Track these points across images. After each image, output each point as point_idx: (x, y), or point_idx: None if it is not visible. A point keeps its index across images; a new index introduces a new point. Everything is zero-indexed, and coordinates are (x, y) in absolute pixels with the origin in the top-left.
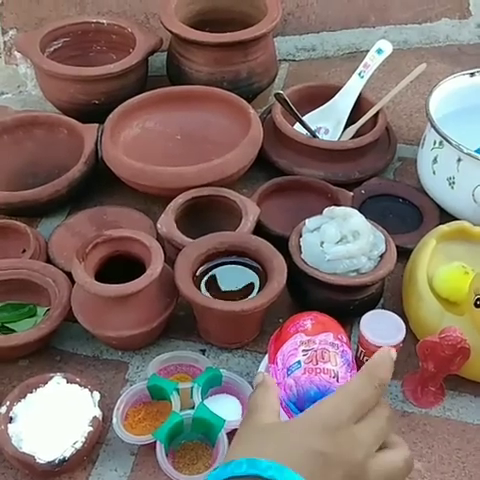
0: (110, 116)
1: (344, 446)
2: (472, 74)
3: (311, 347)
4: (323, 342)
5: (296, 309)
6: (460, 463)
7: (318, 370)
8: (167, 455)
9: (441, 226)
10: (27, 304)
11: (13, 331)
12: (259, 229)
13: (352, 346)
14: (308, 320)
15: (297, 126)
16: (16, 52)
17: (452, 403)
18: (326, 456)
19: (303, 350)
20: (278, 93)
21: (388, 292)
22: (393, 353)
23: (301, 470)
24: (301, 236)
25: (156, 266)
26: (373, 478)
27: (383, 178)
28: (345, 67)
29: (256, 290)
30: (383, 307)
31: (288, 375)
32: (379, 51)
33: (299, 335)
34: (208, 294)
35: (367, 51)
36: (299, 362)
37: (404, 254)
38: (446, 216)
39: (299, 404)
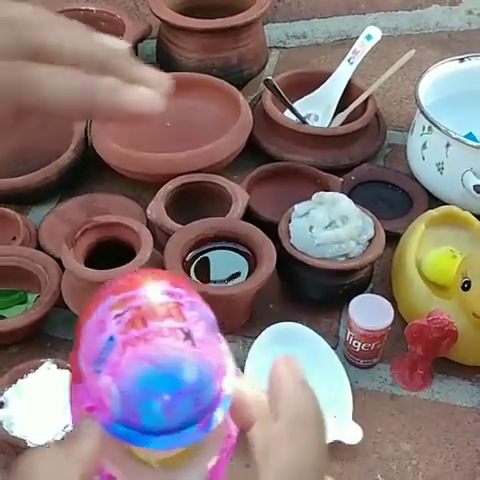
0: None
1: None
2: (461, 60)
3: (128, 306)
4: (150, 294)
5: (286, 295)
6: (448, 445)
7: (149, 335)
8: None
9: (430, 211)
10: (17, 291)
11: (3, 317)
12: (249, 215)
13: (342, 331)
14: (118, 280)
15: (287, 113)
16: None
17: (440, 386)
18: None
19: (115, 316)
20: (268, 79)
21: (377, 277)
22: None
23: None
24: (290, 221)
25: (145, 251)
26: None
27: (373, 164)
28: (336, 54)
29: (245, 275)
30: (372, 292)
31: (97, 372)
32: (368, 37)
33: (104, 301)
34: (198, 279)
35: (357, 38)
36: (111, 338)
37: (393, 239)
38: (435, 201)
39: (127, 413)
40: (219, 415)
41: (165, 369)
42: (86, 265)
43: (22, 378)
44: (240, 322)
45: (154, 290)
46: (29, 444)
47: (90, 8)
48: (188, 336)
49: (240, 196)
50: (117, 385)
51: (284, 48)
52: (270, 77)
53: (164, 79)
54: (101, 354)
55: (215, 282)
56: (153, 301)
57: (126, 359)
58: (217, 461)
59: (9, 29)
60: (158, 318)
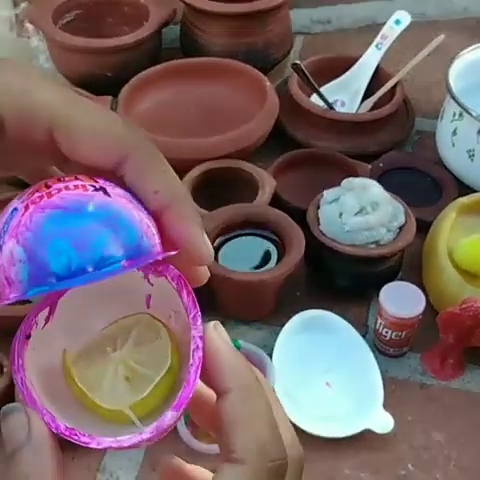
0: (124, 88)
1: None
2: None
3: (34, 187)
4: (62, 178)
5: (314, 282)
6: None
7: (53, 191)
8: (186, 424)
9: (460, 199)
10: None
11: (30, 302)
12: (275, 201)
13: (371, 319)
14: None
15: (313, 98)
16: (28, 25)
17: (471, 376)
18: None
19: (18, 197)
20: (295, 63)
21: (407, 265)
22: None
23: None
24: (319, 208)
25: None
26: None
27: (401, 151)
28: (361, 40)
29: (274, 262)
30: (401, 280)
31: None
32: (397, 22)
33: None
34: (226, 265)
35: (383, 24)
36: (13, 210)
37: (422, 227)
38: (465, 189)
39: (36, 268)
40: (148, 258)
41: (73, 210)
42: None
43: None
44: (267, 309)
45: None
46: None
47: None
48: (100, 189)
49: (267, 182)
50: (21, 244)
51: (309, 33)
52: (298, 61)
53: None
54: (2, 230)
55: (243, 269)
56: (62, 178)
57: (28, 215)
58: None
59: None
60: (64, 182)
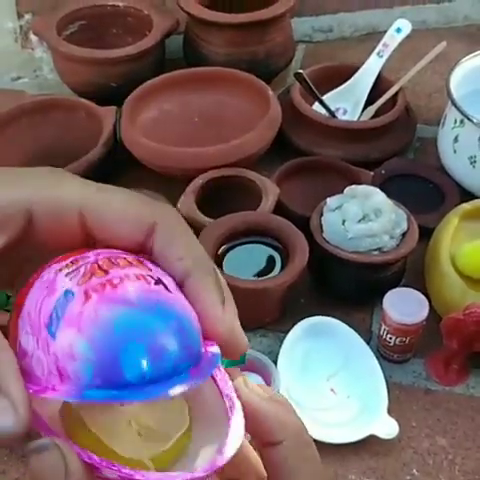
0: (128, 98)
1: None
2: None
3: (80, 263)
4: (104, 252)
5: (317, 289)
6: None
7: (115, 280)
8: None
9: (463, 204)
10: None
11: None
12: (279, 209)
13: (375, 325)
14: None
15: (316, 106)
16: (32, 36)
17: (476, 381)
18: None
19: (67, 274)
20: (298, 73)
21: (410, 272)
22: None
23: None
24: (322, 215)
25: None
26: None
27: (403, 158)
28: (362, 48)
29: (278, 269)
30: (405, 286)
31: (51, 336)
32: (398, 30)
33: (48, 268)
34: (229, 274)
35: (385, 32)
36: (67, 293)
37: (425, 234)
38: (467, 195)
39: (103, 368)
40: (210, 365)
41: (144, 308)
42: None
43: None
44: (272, 316)
45: (107, 251)
46: None
47: (117, 4)
48: (160, 282)
49: (270, 190)
50: (85, 337)
51: (310, 42)
52: (301, 70)
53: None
54: (55, 312)
55: (247, 276)
56: (109, 256)
57: (92, 306)
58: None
59: None
60: (120, 267)
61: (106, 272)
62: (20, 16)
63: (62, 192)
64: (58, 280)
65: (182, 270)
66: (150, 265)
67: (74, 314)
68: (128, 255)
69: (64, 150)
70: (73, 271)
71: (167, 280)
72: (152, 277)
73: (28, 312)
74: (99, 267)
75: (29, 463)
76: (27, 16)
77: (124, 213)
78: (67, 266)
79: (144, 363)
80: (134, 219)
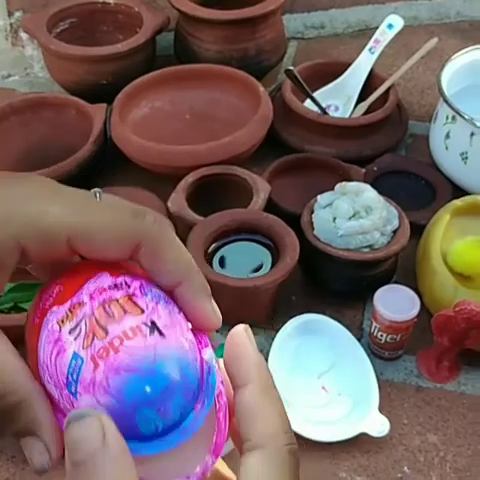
0: (118, 96)
1: None
2: None
3: (79, 316)
4: (96, 293)
5: (308, 286)
6: (476, 436)
7: (115, 341)
8: None
9: (454, 201)
10: (40, 283)
11: (26, 310)
12: (270, 207)
13: (366, 323)
14: (54, 288)
15: (307, 103)
16: (22, 34)
17: (467, 378)
18: None
19: (70, 331)
20: (289, 69)
21: (401, 269)
22: None
23: None
24: (313, 212)
25: None
26: None
27: (395, 155)
28: (355, 44)
29: (268, 267)
30: (396, 283)
31: (73, 395)
32: (390, 26)
33: (50, 314)
34: (220, 272)
35: (377, 28)
36: (75, 357)
37: (417, 230)
38: (459, 191)
39: (121, 427)
40: (210, 390)
41: (147, 372)
42: None
43: None
44: (263, 314)
45: (98, 288)
46: None
47: (108, 1)
48: (153, 327)
49: (261, 187)
50: (103, 403)
51: (302, 39)
52: (291, 67)
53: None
54: (70, 376)
55: (238, 274)
56: (102, 300)
57: (102, 375)
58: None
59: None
60: (116, 320)
61: (106, 332)
62: (10, 14)
63: (48, 224)
64: (63, 337)
65: (170, 282)
66: (139, 301)
67: (87, 380)
68: (118, 291)
69: (55, 148)
70: (75, 327)
71: (158, 316)
72: (146, 324)
73: (46, 364)
74: (98, 323)
75: (66, 432)
76: (17, 14)
77: (109, 236)
78: (68, 318)
79: (156, 420)
80: (119, 241)
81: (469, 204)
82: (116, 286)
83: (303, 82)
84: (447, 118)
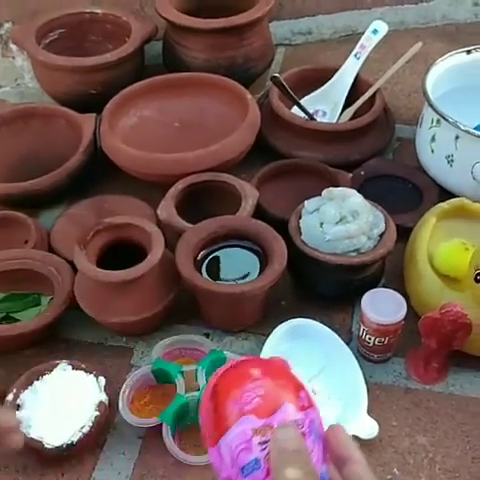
0: (108, 105)
1: None
2: (469, 51)
3: (269, 435)
4: (284, 428)
5: (298, 291)
6: (464, 437)
7: None
8: (173, 437)
9: (441, 204)
10: (31, 293)
11: (18, 320)
12: (259, 213)
13: (355, 326)
14: (252, 392)
15: (295, 109)
16: (12, 45)
17: (455, 378)
18: None
19: (259, 443)
20: (274, 76)
21: (389, 272)
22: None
23: None
24: (301, 218)
25: (156, 251)
26: None
27: (382, 159)
28: (342, 50)
29: (257, 273)
30: (384, 286)
31: (244, 477)
32: (374, 32)
33: (247, 418)
34: (209, 278)
35: (364, 33)
36: (257, 461)
37: (405, 233)
38: (445, 194)
39: None
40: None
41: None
42: (98, 266)
43: (38, 380)
44: (252, 319)
45: (284, 421)
46: (46, 445)
47: (96, 11)
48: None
49: (250, 194)
50: None
51: (290, 45)
52: (277, 74)
53: None
54: (246, 467)
55: (227, 280)
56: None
57: None
58: None
59: None
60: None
61: None
62: (0, 25)
63: None
64: (252, 444)
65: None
66: (307, 440)
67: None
68: (300, 427)
69: (44, 158)
70: (263, 443)
71: (317, 454)
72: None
73: (230, 446)
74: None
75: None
76: (7, 25)
77: None
78: (260, 432)
79: None
80: None
81: (455, 207)
82: (296, 422)
83: (289, 89)
84: (432, 121)
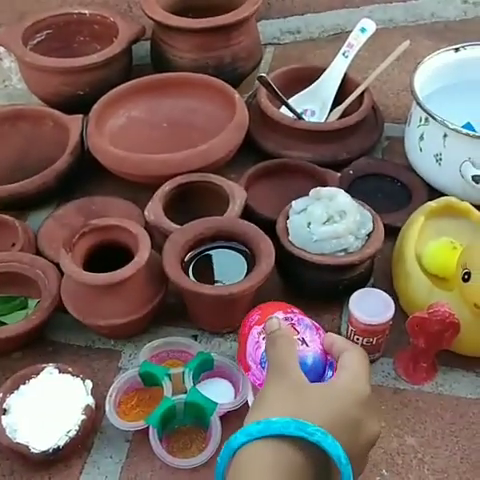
0: (95, 106)
1: (371, 412)
2: (457, 49)
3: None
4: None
5: (287, 291)
6: (453, 437)
7: None
8: (161, 440)
9: (429, 203)
10: (18, 297)
11: (4, 324)
12: (247, 213)
13: (343, 326)
14: (255, 315)
15: (283, 109)
16: None
17: (444, 378)
18: (360, 423)
19: (263, 338)
20: (261, 76)
21: (378, 271)
22: None
23: (340, 437)
24: (288, 218)
25: (143, 253)
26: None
27: (371, 158)
28: (331, 48)
29: (244, 274)
30: (373, 286)
31: (263, 368)
32: (362, 30)
33: (254, 329)
34: (197, 279)
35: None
36: (263, 353)
37: (393, 232)
38: (434, 193)
39: None
40: (332, 367)
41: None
42: (85, 269)
43: (24, 384)
44: (241, 321)
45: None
46: (32, 450)
47: (83, 11)
48: (303, 342)
49: (238, 194)
50: None
51: (278, 44)
52: (264, 74)
53: None
54: (262, 359)
55: (215, 281)
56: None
57: None
58: None
59: None
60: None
61: None
62: None
63: None
64: (260, 342)
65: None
66: (297, 327)
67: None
68: (286, 321)
69: (32, 160)
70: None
71: (306, 335)
72: (299, 339)
73: (250, 353)
74: None
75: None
76: None
77: None
78: (262, 333)
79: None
80: None
81: (443, 206)
82: (286, 319)
83: (276, 88)
84: (420, 120)
